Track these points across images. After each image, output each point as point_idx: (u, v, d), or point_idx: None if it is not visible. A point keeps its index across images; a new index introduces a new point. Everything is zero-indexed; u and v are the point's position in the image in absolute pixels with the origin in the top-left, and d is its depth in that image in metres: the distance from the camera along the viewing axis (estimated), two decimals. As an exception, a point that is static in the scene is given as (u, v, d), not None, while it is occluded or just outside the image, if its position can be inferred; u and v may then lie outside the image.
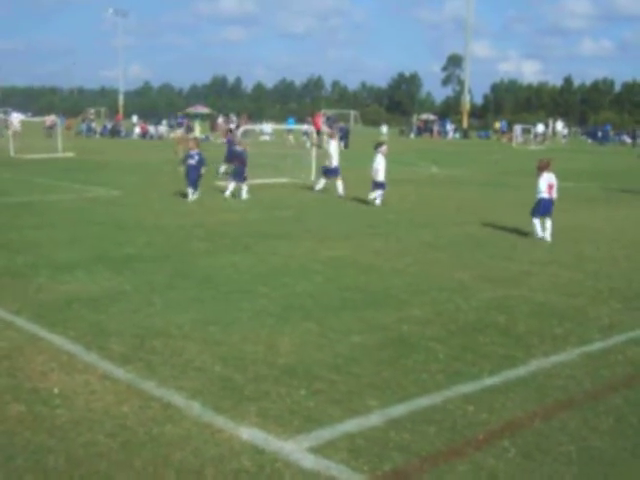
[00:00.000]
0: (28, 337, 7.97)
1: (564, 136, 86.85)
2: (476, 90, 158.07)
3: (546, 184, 15.66)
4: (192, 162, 20.14)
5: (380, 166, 19.85)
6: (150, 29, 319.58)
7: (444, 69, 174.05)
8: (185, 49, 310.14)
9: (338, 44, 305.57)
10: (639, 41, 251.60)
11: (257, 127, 55.07)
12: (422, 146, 58.92)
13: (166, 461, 5.28)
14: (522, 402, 6.60)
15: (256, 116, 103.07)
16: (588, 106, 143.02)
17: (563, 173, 24.89)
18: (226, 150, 27.31)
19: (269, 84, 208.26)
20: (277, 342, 7.97)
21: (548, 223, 15.49)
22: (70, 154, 36.82)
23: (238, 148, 21.80)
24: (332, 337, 8.22)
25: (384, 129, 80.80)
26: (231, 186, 21.13)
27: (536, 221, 15.55)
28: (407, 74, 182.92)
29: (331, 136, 24.01)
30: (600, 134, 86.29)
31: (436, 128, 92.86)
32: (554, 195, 15.72)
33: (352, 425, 5.96)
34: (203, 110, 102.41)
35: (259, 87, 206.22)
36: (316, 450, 5.51)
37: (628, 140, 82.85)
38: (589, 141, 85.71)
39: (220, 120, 72.98)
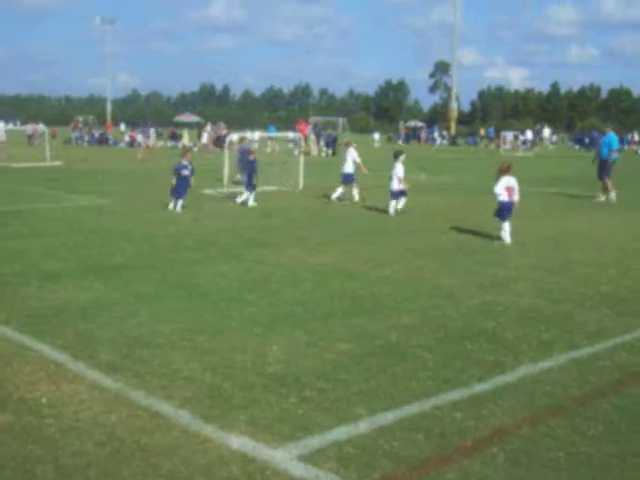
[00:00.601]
0: (16, 347, 7.95)
1: (552, 142, 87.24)
2: (463, 97, 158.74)
3: (503, 187, 16.07)
4: (186, 173, 20.04)
5: (400, 174, 19.92)
6: (138, 37, 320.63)
7: (431, 76, 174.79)
8: (173, 57, 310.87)
9: (326, 52, 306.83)
10: (624, 48, 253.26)
11: (251, 135, 54.98)
12: (410, 153, 59.01)
13: (155, 471, 5.28)
14: (510, 408, 6.62)
15: (244, 124, 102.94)
16: (575, 112, 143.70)
17: (550, 179, 24.97)
18: (239, 159, 27.43)
19: (257, 92, 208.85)
20: (266, 350, 7.97)
21: (506, 225, 15.90)
22: (58, 163, 36.76)
23: (250, 157, 21.80)
24: (321, 345, 8.23)
25: (376, 136, 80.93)
26: (245, 195, 21.30)
27: (505, 225, 15.91)
28: (394, 81, 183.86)
29: (348, 144, 24.15)
30: (587, 140, 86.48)
31: (424, 135, 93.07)
32: (514, 198, 16.09)
33: (341, 433, 5.96)
34: (192, 119, 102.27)
35: (247, 95, 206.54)
36: (305, 458, 5.52)
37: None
38: (576, 147, 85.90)
39: (209, 128, 72.96)
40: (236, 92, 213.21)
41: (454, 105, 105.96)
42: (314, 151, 53.35)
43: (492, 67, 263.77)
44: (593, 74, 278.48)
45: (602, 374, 7.66)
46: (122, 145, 63.63)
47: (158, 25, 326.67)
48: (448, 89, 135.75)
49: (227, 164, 24.52)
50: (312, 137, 56.16)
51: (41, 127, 62.10)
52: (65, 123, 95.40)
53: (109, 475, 5.22)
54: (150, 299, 10.07)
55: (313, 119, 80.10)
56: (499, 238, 15.81)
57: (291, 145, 43.94)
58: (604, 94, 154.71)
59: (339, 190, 23.06)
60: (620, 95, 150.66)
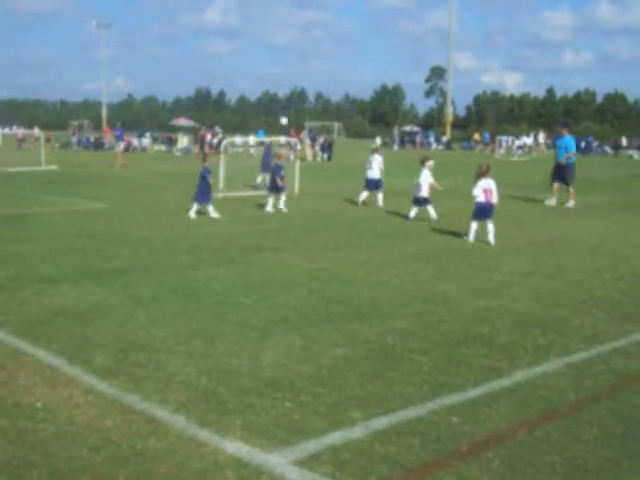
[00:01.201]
0: (11, 351, 7.93)
1: (548, 147, 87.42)
2: (459, 102, 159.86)
3: (481, 189, 16.53)
4: (210, 177, 19.92)
5: (426, 181, 20.02)
6: (134, 41, 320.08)
7: (427, 81, 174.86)
8: (169, 61, 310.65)
9: (321, 56, 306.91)
10: (619, 53, 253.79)
11: (239, 139, 55.06)
12: (405, 158, 59.01)
13: (150, 475, 5.27)
14: (506, 413, 6.62)
15: (240, 129, 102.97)
16: (570, 117, 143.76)
17: (546, 184, 25.00)
18: (263, 161, 27.81)
19: (252, 96, 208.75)
20: (261, 355, 7.97)
21: (490, 226, 16.31)
22: (53, 167, 36.74)
23: (277, 161, 21.87)
24: (316, 349, 8.22)
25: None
26: (271, 200, 21.29)
27: (473, 225, 16.51)
28: (390, 86, 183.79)
29: (375, 151, 24.66)
30: (583, 145, 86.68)
31: (419, 139, 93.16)
32: (492, 200, 16.56)
33: (337, 437, 5.96)
34: (187, 123, 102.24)
35: (242, 99, 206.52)
36: (301, 463, 5.51)
37: (610, 151, 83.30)
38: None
39: (204, 132, 72.98)
40: (232, 97, 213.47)
41: (450, 110, 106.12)
42: (309, 156, 53.37)
43: (488, 72, 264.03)
44: (588, 79, 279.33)
45: (597, 379, 7.67)
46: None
47: (154, 29, 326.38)
48: (444, 94, 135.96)
49: (222, 168, 24.49)
50: (307, 142, 56.20)
51: (36, 131, 62.12)
52: (60, 127, 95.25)
53: (104, 480, 5.21)
54: (146, 303, 10.06)
55: (308, 124, 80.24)
56: (466, 236, 16.58)
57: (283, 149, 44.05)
58: (599, 99, 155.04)
59: (364, 194, 23.47)
60: (615, 100, 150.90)
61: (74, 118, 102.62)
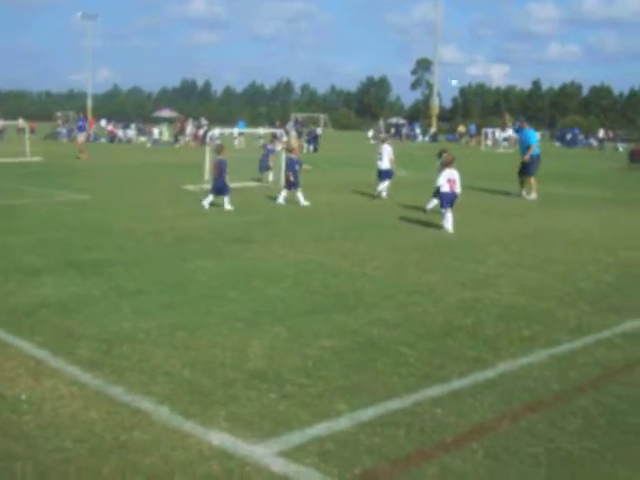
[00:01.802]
0: (-5, 343, 7.91)
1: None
2: (445, 94, 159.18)
3: (446, 179, 17.09)
4: (227, 170, 19.83)
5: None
6: (119, 32, 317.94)
7: (413, 73, 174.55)
8: (154, 52, 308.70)
9: (307, 48, 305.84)
10: (605, 45, 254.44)
11: (227, 131, 54.92)
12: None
13: (134, 467, 5.26)
14: (490, 404, 6.63)
15: (226, 120, 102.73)
16: (556, 109, 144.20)
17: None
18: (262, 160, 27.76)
19: (238, 88, 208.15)
20: (246, 346, 7.96)
21: (449, 215, 16.83)
22: (38, 158, 36.55)
23: (290, 155, 21.79)
24: (301, 341, 8.22)
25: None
26: (283, 193, 21.20)
27: (447, 214, 16.90)
28: (376, 78, 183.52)
29: (384, 141, 25.08)
30: (569, 137, 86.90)
31: (405, 131, 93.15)
32: (456, 190, 17.15)
33: (322, 429, 5.96)
34: (170, 114, 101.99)
35: (228, 91, 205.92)
36: (286, 454, 5.51)
37: (595, 143, 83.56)
38: (557, 144, 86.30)
39: (189, 124, 72.81)
40: (217, 88, 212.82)
41: (435, 102, 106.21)
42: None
43: (474, 64, 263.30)
44: (574, 72, 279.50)
45: (582, 370, 7.69)
46: (103, 140, 63.27)
47: (140, 20, 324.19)
48: (430, 86, 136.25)
49: (208, 160, 24.42)
50: (293, 133, 56.12)
51: (21, 122, 61.77)
52: (45, 119, 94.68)
53: (88, 471, 5.19)
54: (131, 295, 10.03)
55: (294, 115, 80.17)
56: (441, 227, 16.91)
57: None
58: (585, 92, 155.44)
59: (382, 185, 23.65)
60: (601, 93, 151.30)
61: (59, 109, 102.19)
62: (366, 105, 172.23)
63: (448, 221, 16.78)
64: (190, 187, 23.97)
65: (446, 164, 17.50)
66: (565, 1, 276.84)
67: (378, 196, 23.47)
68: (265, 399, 6.54)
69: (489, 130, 74.87)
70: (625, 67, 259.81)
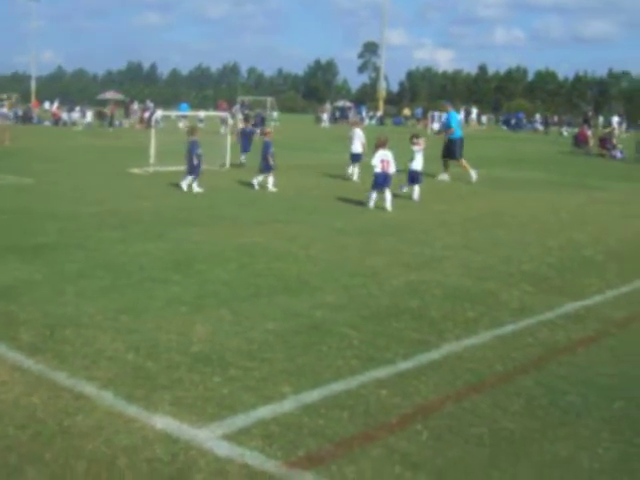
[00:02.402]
0: None
1: (482, 123, 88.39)
2: (392, 77, 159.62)
3: (379, 160, 17.56)
4: (200, 151, 19.71)
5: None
6: (63, 13, 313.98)
7: (360, 56, 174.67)
8: (99, 34, 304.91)
9: (254, 30, 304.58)
10: (550, 31, 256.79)
11: (173, 114, 54.58)
12: (336, 133, 59.04)
13: (77, 452, 5.20)
14: (435, 385, 6.68)
15: (172, 103, 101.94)
16: (502, 94, 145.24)
17: (477, 160, 25.19)
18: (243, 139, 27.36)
19: (185, 70, 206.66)
20: (190, 330, 7.91)
21: (388, 195, 17.38)
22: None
23: (265, 138, 21.53)
24: (246, 324, 8.20)
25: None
26: (260, 177, 20.80)
27: (372, 195, 17.57)
28: (323, 61, 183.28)
29: (355, 124, 25.48)
30: (514, 121, 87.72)
31: (352, 115, 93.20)
32: (390, 170, 17.63)
33: (266, 411, 5.95)
34: (116, 96, 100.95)
35: (175, 73, 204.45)
36: (230, 437, 5.49)
37: (540, 127, 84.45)
38: (504, 128, 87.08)
39: (135, 107, 72.25)
40: (164, 71, 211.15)
41: (382, 85, 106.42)
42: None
43: (421, 48, 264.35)
44: (519, 56, 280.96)
45: (525, 351, 7.78)
46: (47, 123, 62.36)
47: (84, 1, 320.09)
48: (377, 69, 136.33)
49: (153, 143, 24.21)
50: (239, 116, 55.87)
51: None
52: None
53: (30, 458, 5.12)
54: (73, 279, 9.91)
55: (241, 98, 79.80)
56: (364, 203, 17.70)
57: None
58: (530, 76, 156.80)
59: (352, 168, 23.98)
60: (546, 77, 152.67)
61: (3, 91, 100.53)
62: (313, 88, 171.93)
63: (371, 201, 17.50)
64: (135, 170, 23.77)
65: (379, 145, 17.93)
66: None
67: (349, 179, 23.70)
68: (209, 382, 6.52)
69: (435, 114, 75.17)
70: (570, 52, 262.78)
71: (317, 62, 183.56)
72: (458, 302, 9.49)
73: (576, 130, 54.87)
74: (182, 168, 20.62)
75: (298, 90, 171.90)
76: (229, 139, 27.10)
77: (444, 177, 25.37)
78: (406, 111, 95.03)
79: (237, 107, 65.71)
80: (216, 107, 62.31)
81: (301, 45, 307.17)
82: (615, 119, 73.75)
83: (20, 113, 64.61)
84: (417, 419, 5.96)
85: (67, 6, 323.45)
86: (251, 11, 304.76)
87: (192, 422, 5.71)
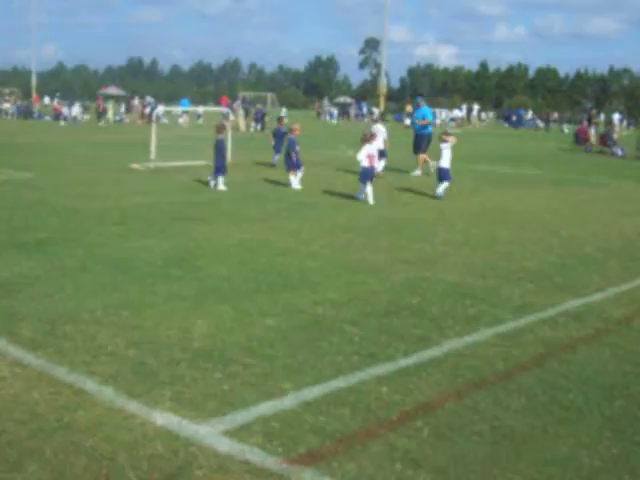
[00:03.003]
0: None
1: (482, 120, 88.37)
2: (393, 74, 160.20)
3: (365, 154, 17.99)
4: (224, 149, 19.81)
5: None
6: (65, 8, 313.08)
7: (361, 52, 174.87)
8: (100, 29, 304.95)
9: (255, 26, 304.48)
10: (551, 28, 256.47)
11: (173, 109, 54.57)
12: (337, 129, 59.07)
13: (77, 448, 5.20)
14: (435, 383, 6.67)
15: (172, 99, 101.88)
16: (503, 90, 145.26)
17: (479, 156, 25.14)
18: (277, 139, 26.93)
19: (185, 66, 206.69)
20: (191, 326, 7.91)
21: (369, 188, 17.87)
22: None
23: (290, 135, 21.47)
24: (247, 320, 8.19)
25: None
26: (294, 176, 20.66)
27: (367, 189, 17.90)
28: (324, 57, 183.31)
29: (376, 121, 25.39)
30: (515, 118, 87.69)
31: (353, 111, 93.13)
32: (376, 164, 18.66)
33: (267, 408, 5.95)
34: (117, 92, 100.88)
35: (175, 69, 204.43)
36: (231, 434, 5.49)
37: (541, 124, 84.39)
38: (505, 124, 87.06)
39: (136, 102, 72.18)
40: (164, 66, 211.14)
41: (383, 82, 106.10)
42: (242, 126, 53.01)
43: (422, 44, 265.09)
44: (521, 53, 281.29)
45: (526, 348, 7.77)
46: (47, 118, 62.31)
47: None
48: (378, 66, 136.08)
49: (154, 138, 24.18)
50: (240, 112, 55.84)
51: None
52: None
53: (31, 453, 5.12)
54: (74, 274, 9.91)
55: (242, 94, 79.70)
56: (365, 200, 17.89)
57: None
58: (532, 73, 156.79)
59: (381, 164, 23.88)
60: (547, 74, 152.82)
61: (3, 86, 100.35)
62: (314, 84, 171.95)
63: (369, 194, 17.79)
64: (136, 165, 23.75)
65: (366, 140, 18.32)
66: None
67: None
68: (210, 379, 6.51)
69: (436, 110, 75.18)
70: (571, 49, 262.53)
71: (318, 58, 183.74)
72: (459, 299, 9.48)
73: (577, 127, 54.83)
74: (182, 164, 20.60)
75: (299, 86, 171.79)
76: (230, 135, 27.02)
77: (417, 173, 25.36)
78: (408, 108, 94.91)
79: (238, 103, 65.53)
80: (218, 103, 62.29)
81: (302, 41, 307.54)
82: (616, 116, 73.75)
83: (21, 108, 64.52)
84: (418, 416, 5.96)
85: (68, 1, 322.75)
86: (252, 7, 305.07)
87: (193, 418, 5.71)
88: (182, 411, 5.82)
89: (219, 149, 19.60)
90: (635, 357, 7.73)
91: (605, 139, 42.85)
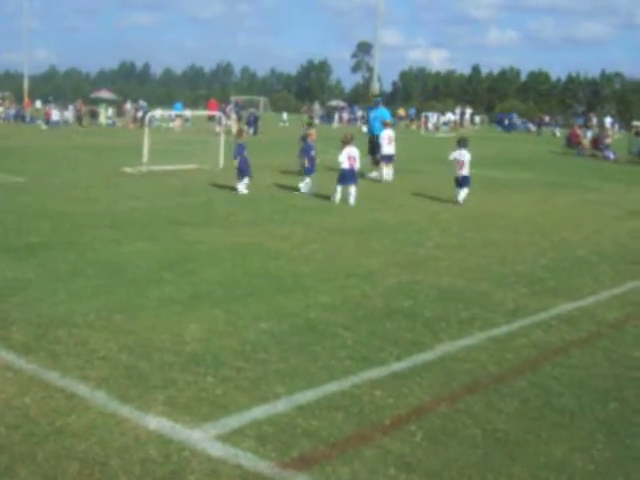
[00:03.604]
0: None
1: (475, 124, 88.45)
2: (385, 77, 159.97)
3: (346, 156, 18.36)
4: (246, 153, 19.82)
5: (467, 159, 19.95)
6: (57, 12, 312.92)
7: (354, 56, 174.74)
8: (92, 33, 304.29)
9: (247, 30, 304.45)
10: (543, 32, 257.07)
11: (166, 113, 54.52)
12: (329, 133, 59.01)
13: (70, 453, 5.18)
14: (429, 386, 6.67)
15: (165, 102, 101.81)
16: (495, 94, 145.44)
17: (471, 160, 25.15)
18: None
19: (178, 70, 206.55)
20: (184, 330, 7.89)
21: (352, 189, 18.23)
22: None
23: (307, 140, 21.46)
24: (239, 324, 8.18)
25: (284, 116, 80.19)
26: (307, 180, 20.48)
27: (338, 188, 18.33)
28: (316, 61, 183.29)
29: (387, 125, 25.37)
30: (507, 122, 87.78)
31: (346, 115, 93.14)
32: (355, 166, 18.49)
33: (260, 412, 5.94)
34: (108, 95, 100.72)
35: (168, 73, 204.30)
36: (223, 438, 5.48)
37: (533, 128, 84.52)
38: (497, 128, 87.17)
39: (128, 106, 72.11)
40: (157, 70, 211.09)
41: (376, 85, 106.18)
42: (235, 130, 52.97)
43: (414, 48, 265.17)
44: (513, 57, 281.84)
45: (519, 352, 7.78)
46: (39, 122, 62.13)
47: (77, 0, 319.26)
48: (370, 69, 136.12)
49: (147, 142, 24.16)
50: (233, 116, 55.83)
51: None
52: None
53: (22, 458, 5.10)
54: (67, 278, 9.88)
55: (234, 98, 79.73)
56: (331, 199, 18.30)
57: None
58: (523, 77, 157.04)
59: (387, 170, 24.38)
60: (539, 78, 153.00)
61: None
62: (306, 88, 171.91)
63: (337, 195, 18.21)
64: (128, 169, 23.70)
65: (346, 142, 18.63)
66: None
67: (378, 180, 24.18)
68: (203, 383, 6.50)
69: (429, 114, 75.28)
70: (563, 53, 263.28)
71: (310, 62, 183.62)
72: (452, 303, 9.48)
73: (568, 131, 54.93)
74: (174, 167, 20.55)
75: (291, 90, 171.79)
76: (222, 139, 27.01)
77: (374, 175, 25.39)
78: (401, 112, 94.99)
79: (231, 107, 65.56)
80: (207, 107, 62.32)
81: (294, 45, 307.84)
82: (608, 120, 73.85)
83: (13, 112, 64.34)
84: (411, 420, 5.95)
85: (60, 5, 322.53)
86: (245, 11, 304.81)
87: (185, 422, 5.69)
88: (175, 415, 5.80)
89: (236, 153, 19.82)
90: (628, 360, 7.74)
91: (597, 143, 42.94)
